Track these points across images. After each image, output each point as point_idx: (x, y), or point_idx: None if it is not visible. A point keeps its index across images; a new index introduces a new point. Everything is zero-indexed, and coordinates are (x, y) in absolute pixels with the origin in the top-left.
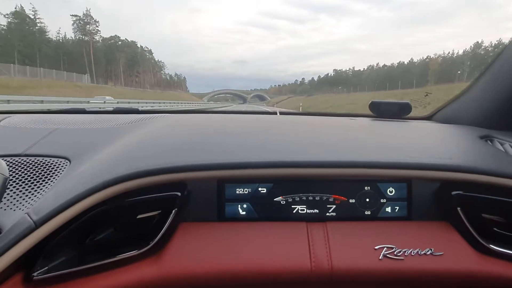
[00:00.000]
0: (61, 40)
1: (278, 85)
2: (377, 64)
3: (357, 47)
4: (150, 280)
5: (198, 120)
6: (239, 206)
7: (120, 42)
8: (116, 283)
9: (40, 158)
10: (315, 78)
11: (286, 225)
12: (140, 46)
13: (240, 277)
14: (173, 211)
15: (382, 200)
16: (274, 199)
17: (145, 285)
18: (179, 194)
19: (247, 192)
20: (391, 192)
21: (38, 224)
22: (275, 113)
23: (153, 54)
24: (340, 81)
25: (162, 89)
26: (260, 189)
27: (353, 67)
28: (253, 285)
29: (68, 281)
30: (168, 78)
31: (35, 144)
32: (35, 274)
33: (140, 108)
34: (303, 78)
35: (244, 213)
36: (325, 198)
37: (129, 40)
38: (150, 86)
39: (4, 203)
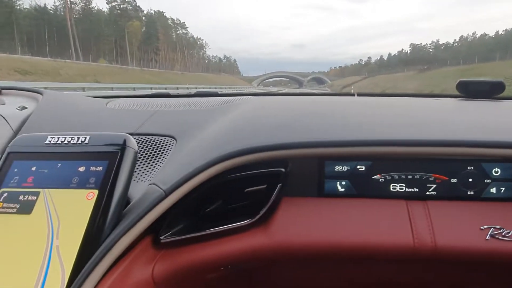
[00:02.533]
0: None
1: (339, 66)
2: (474, 33)
3: (420, 25)
4: (260, 248)
5: (283, 101)
6: (338, 183)
7: (130, 7)
8: (230, 249)
9: (150, 137)
10: (385, 57)
11: (385, 202)
12: (170, 18)
13: (343, 250)
14: (278, 186)
15: (486, 181)
16: (373, 177)
17: (256, 252)
18: (283, 170)
19: (346, 170)
20: (496, 172)
21: (167, 193)
22: (352, 95)
23: (188, 29)
24: (418, 59)
25: (200, 71)
26: (358, 166)
27: (437, 40)
28: (354, 259)
29: (189, 245)
30: (213, 60)
31: (142, 124)
32: (162, 237)
33: (219, 92)
34: (369, 57)
35: (343, 189)
36: (425, 177)
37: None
38: (181, 67)
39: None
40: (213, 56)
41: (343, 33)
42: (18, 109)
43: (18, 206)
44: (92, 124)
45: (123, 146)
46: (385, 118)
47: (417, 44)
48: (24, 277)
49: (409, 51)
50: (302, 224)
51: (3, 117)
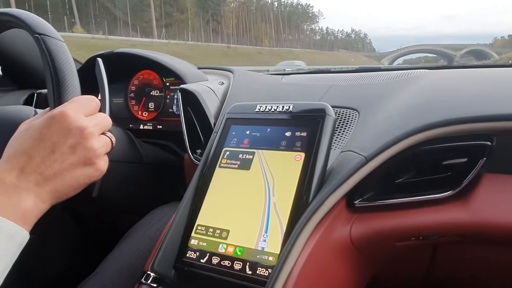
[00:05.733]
0: None
1: (508, 35)
2: None
3: None
4: (459, 223)
5: (463, 74)
6: None
7: None
8: (425, 220)
9: (334, 109)
10: None
11: None
12: None
13: None
14: (481, 160)
15: None
16: None
17: (453, 226)
18: (489, 143)
19: None
20: None
21: (368, 159)
22: None
23: None
24: None
25: (303, 46)
26: None
27: None
28: None
29: (382, 211)
30: (338, 35)
31: (322, 97)
32: (356, 201)
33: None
34: None
35: None
36: None
37: None
38: (277, 41)
39: None
40: (338, 30)
41: None
42: (219, 84)
43: (238, 163)
44: (277, 96)
45: (324, 114)
46: None
47: None
48: (249, 226)
49: None
50: (509, 202)
51: (212, 89)
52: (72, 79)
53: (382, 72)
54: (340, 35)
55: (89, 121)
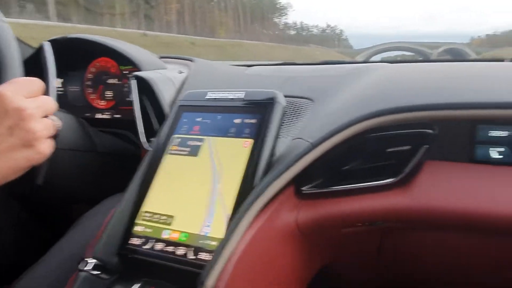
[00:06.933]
0: None
1: (486, 35)
2: None
3: None
4: (401, 208)
5: (418, 67)
6: (493, 149)
7: None
8: (369, 206)
9: (288, 98)
10: None
11: None
12: None
13: (498, 220)
14: (423, 147)
15: None
16: None
17: (395, 212)
18: (431, 131)
19: (503, 135)
20: None
21: (314, 145)
22: (502, 60)
23: None
24: None
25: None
26: None
27: None
28: (505, 234)
29: (329, 198)
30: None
31: (280, 87)
32: (304, 188)
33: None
34: None
35: (499, 156)
36: None
37: None
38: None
39: None
40: (313, 25)
41: None
42: (178, 73)
43: (188, 149)
44: (236, 86)
45: (274, 101)
46: None
47: None
48: (194, 212)
49: None
50: (449, 188)
51: (169, 78)
52: (12, 60)
53: (345, 65)
54: (316, 30)
55: (30, 102)
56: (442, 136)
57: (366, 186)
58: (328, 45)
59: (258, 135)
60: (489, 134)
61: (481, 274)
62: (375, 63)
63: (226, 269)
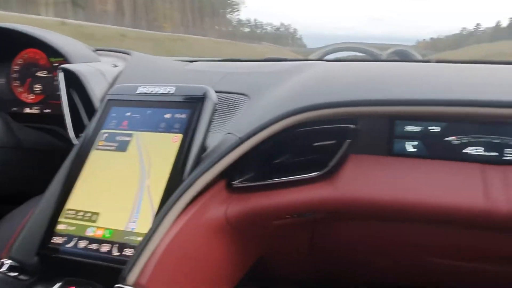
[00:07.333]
0: None
1: (430, 38)
2: None
3: None
4: (327, 199)
5: (355, 66)
6: (409, 143)
7: None
8: (297, 198)
9: (224, 94)
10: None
11: (458, 164)
12: None
13: (411, 208)
14: (346, 141)
15: None
16: (446, 139)
17: (322, 203)
18: (352, 126)
19: (417, 130)
20: None
21: (242, 140)
22: (428, 61)
23: None
24: None
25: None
26: (431, 127)
27: None
28: (422, 219)
29: (259, 191)
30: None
31: (217, 83)
32: (234, 182)
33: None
34: (477, 24)
35: (413, 150)
36: (506, 141)
37: None
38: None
39: None
40: (267, 23)
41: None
42: (112, 66)
43: (116, 145)
44: (173, 81)
45: (204, 97)
46: (465, 79)
47: None
48: (120, 208)
49: None
50: (369, 180)
51: (101, 71)
52: None
53: (287, 62)
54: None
55: None
56: (365, 131)
57: (294, 179)
58: (282, 43)
59: (188, 130)
60: (405, 129)
61: (408, 260)
62: (313, 61)
63: (149, 264)
